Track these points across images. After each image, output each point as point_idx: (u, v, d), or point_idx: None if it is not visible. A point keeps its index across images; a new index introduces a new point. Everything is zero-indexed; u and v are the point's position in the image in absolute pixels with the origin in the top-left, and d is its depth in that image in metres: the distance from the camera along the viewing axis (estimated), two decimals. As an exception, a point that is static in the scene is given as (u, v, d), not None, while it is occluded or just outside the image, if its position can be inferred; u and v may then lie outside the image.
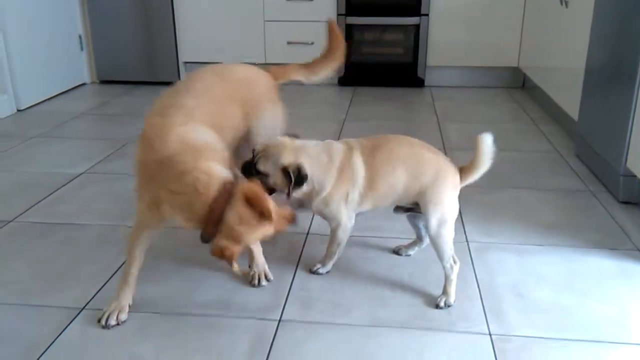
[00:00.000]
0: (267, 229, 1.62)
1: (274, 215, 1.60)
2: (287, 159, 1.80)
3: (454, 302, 1.88)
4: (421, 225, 2.05)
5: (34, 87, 4.26)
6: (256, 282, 1.99)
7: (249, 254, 2.01)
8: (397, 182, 1.86)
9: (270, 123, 2.08)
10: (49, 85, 4.48)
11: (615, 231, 2.38)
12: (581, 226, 2.42)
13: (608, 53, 2.83)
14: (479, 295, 1.94)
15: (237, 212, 1.56)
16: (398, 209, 2.00)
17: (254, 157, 1.84)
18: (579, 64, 3.16)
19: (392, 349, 1.68)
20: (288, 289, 1.99)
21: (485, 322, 1.80)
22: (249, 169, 1.84)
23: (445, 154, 3.26)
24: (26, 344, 1.71)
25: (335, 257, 2.04)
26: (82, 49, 4.87)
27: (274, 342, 1.72)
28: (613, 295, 1.95)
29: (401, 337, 1.73)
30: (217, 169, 1.62)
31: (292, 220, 1.70)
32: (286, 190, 1.82)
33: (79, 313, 1.85)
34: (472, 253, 2.20)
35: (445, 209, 1.84)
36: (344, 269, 2.09)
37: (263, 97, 2.07)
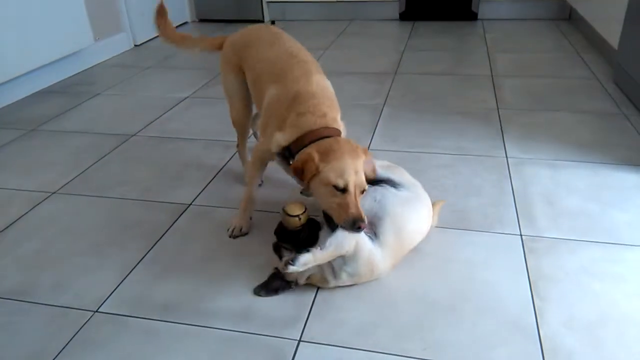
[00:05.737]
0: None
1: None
2: None
3: (491, 208, 1.84)
4: None
5: (147, 26, 4.32)
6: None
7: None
8: None
9: None
10: (159, 24, 4.53)
11: (644, 150, 2.23)
12: (613, 145, 2.28)
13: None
14: (513, 203, 1.90)
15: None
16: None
17: None
18: (623, -4, 2.86)
19: (436, 244, 1.70)
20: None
21: (517, 225, 1.77)
22: None
23: (493, 80, 3.11)
24: (150, 228, 1.84)
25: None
26: (183, -8, 4.86)
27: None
28: (635, 204, 1.86)
29: (444, 235, 1.75)
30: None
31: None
32: None
33: (187, 208, 1.97)
34: (510, 167, 2.14)
35: None
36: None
37: None
